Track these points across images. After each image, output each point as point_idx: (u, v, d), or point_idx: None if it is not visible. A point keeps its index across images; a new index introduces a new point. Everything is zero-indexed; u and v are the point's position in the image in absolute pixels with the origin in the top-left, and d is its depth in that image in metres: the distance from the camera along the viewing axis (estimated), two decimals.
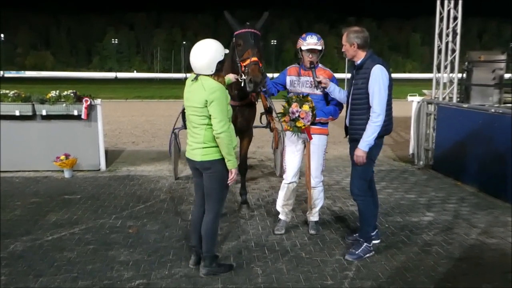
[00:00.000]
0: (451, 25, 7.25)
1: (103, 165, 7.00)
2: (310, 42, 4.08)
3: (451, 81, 7.52)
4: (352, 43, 3.68)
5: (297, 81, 4.26)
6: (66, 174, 6.55)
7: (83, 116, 6.61)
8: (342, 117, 4.25)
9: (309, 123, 4.03)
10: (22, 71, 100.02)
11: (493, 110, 5.93)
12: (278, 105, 4.64)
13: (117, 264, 3.73)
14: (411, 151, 7.95)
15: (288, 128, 4.13)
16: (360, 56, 3.71)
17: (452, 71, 7.46)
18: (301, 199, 5.30)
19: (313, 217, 4.47)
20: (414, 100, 7.79)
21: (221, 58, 3.32)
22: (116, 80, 76.36)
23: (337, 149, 8.82)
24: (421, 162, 7.53)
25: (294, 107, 4.00)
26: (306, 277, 3.52)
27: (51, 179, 6.46)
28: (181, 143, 6.47)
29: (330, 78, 4.12)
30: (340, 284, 3.43)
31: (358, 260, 3.81)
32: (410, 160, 7.84)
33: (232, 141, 3.33)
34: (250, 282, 3.45)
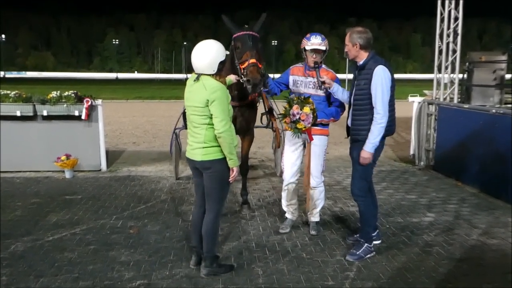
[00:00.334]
0: (452, 26, 7.25)
1: (104, 166, 7.00)
2: (315, 42, 4.09)
3: (452, 82, 7.52)
4: (354, 43, 3.68)
5: (301, 81, 4.26)
6: (67, 175, 6.55)
7: (83, 117, 6.62)
8: (343, 118, 4.26)
9: (309, 125, 4.04)
10: (23, 72, 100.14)
11: (494, 111, 5.92)
12: (280, 105, 4.65)
13: (118, 265, 3.73)
14: (411, 152, 7.95)
15: (289, 129, 4.14)
16: (363, 57, 3.71)
17: (453, 71, 7.45)
18: (302, 199, 5.29)
19: (314, 217, 4.48)
20: (415, 100, 7.79)
21: (223, 58, 3.35)
22: (117, 80, 76.42)
23: (338, 150, 8.82)
24: (422, 163, 7.53)
25: (295, 109, 4.00)
26: (307, 278, 3.52)
27: (51, 180, 6.47)
28: (182, 143, 6.47)
29: (334, 79, 4.12)
30: (341, 284, 3.43)
31: (359, 261, 3.81)
32: (411, 160, 7.84)
33: (233, 140, 3.34)
34: (251, 283, 3.45)
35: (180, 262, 3.78)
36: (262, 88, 4.23)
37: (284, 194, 4.52)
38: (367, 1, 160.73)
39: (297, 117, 3.99)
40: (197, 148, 3.39)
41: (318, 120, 4.12)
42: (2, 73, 79.81)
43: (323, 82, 4.04)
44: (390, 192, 5.95)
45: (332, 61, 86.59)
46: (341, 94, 4.07)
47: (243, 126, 4.89)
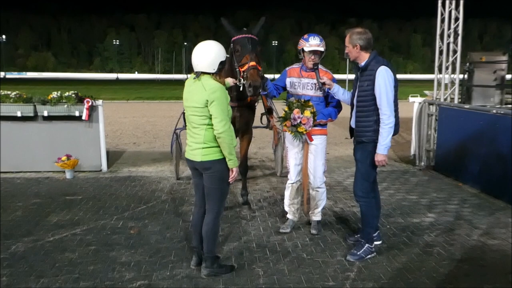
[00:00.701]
0: (452, 26, 7.25)
1: (104, 166, 7.00)
2: (313, 43, 4.09)
3: (452, 82, 7.52)
4: (355, 44, 3.67)
5: (298, 82, 4.26)
6: (68, 175, 6.55)
7: (84, 117, 6.62)
8: (345, 118, 4.26)
9: (310, 128, 4.07)
10: (24, 72, 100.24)
11: (494, 111, 5.92)
12: (279, 106, 4.66)
13: (119, 265, 3.73)
14: (412, 152, 7.94)
15: (290, 132, 4.16)
16: (364, 58, 3.70)
17: (453, 72, 7.45)
18: (302, 199, 5.29)
19: (316, 217, 4.49)
20: (416, 101, 7.79)
21: (223, 58, 3.36)
22: (117, 81, 76.45)
23: (338, 150, 8.82)
24: (423, 163, 7.52)
25: (296, 113, 4.02)
26: (308, 278, 3.52)
27: (52, 180, 6.47)
28: (182, 143, 6.48)
29: (331, 79, 4.13)
30: (341, 285, 3.43)
31: (360, 261, 3.81)
32: (411, 161, 7.83)
33: (233, 140, 3.34)
34: (251, 283, 3.44)
35: (181, 262, 3.78)
36: (260, 91, 4.24)
37: (287, 193, 4.53)
38: (367, 2, 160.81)
39: (298, 121, 4.01)
40: (197, 149, 3.39)
41: (317, 121, 4.14)
42: (3, 73, 79.87)
43: (324, 83, 4.05)
44: (390, 193, 5.95)
45: (332, 62, 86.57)
46: (341, 94, 4.07)
47: (242, 126, 4.93)
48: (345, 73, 39.74)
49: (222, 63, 3.36)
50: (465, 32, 7.46)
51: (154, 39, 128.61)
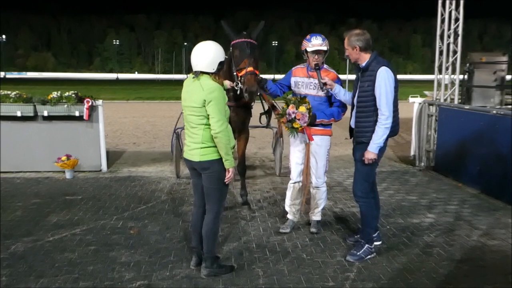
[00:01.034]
0: (452, 27, 7.25)
1: (104, 166, 7.00)
2: (315, 43, 4.11)
3: (452, 83, 7.52)
4: (354, 46, 3.67)
5: (302, 82, 4.29)
6: (67, 175, 6.55)
7: (85, 117, 6.61)
8: (345, 118, 4.26)
9: (305, 124, 4.07)
10: (24, 72, 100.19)
11: (494, 112, 5.92)
12: (280, 104, 4.68)
13: (118, 265, 3.72)
14: (412, 153, 7.95)
15: (286, 128, 4.19)
16: (364, 59, 3.70)
17: (453, 72, 7.45)
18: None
19: (316, 216, 4.50)
20: (416, 101, 7.80)
21: (222, 59, 3.38)
22: (117, 81, 76.46)
23: (338, 150, 8.82)
24: (423, 164, 7.52)
25: (291, 108, 4.06)
26: (307, 279, 3.52)
27: (52, 180, 6.47)
28: (183, 143, 6.47)
29: (334, 79, 4.13)
30: (341, 285, 3.43)
31: (359, 261, 3.81)
32: (411, 161, 7.84)
33: (230, 140, 3.35)
34: (251, 283, 3.44)
35: (181, 262, 3.78)
36: (258, 93, 4.29)
37: (288, 193, 4.54)
38: (367, 2, 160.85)
39: (293, 116, 4.04)
40: (195, 149, 3.40)
41: (318, 120, 4.15)
42: (3, 73, 79.83)
43: (325, 84, 4.05)
44: (390, 193, 5.95)
45: (333, 62, 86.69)
46: (342, 95, 4.07)
47: (239, 126, 4.98)
48: (345, 74, 39.81)
49: (221, 64, 3.38)
50: (465, 32, 7.46)
51: (154, 39, 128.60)
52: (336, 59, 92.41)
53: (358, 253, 3.85)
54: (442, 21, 7.36)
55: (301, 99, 4.10)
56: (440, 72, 7.55)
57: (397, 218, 4.97)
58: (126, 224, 4.71)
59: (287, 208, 4.60)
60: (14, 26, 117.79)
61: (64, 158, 6.50)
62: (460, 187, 6.23)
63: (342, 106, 4.25)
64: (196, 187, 3.62)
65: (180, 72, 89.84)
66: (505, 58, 9.69)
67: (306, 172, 4.37)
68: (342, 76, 4.44)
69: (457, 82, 7.49)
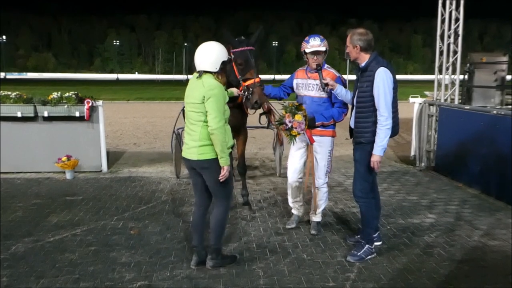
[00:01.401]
0: (452, 27, 7.24)
1: (104, 167, 7.00)
2: (314, 44, 4.13)
3: (452, 83, 7.51)
4: (355, 45, 3.68)
5: (302, 84, 4.33)
6: (68, 176, 6.55)
7: (86, 117, 6.61)
8: (346, 119, 4.26)
9: (303, 131, 4.12)
10: (24, 73, 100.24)
11: (495, 112, 5.92)
12: (278, 106, 4.69)
13: (119, 266, 3.73)
14: (412, 153, 7.94)
15: (285, 135, 4.26)
16: (364, 59, 3.70)
17: (453, 72, 7.45)
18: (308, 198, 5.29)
19: (316, 217, 4.51)
20: (416, 101, 7.79)
21: (225, 58, 3.46)
22: (118, 81, 76.50)
23: (338, 151, 8.80)
24: (423, 164, 7.52)
25: (287, 117, 4.11)
26: (308, 279, 3.52)
27: (52, 181, 6.47)
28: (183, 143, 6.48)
29: (334, 79, 4.14)
30: (341, 285, 3.43)
31: (360, 262, 3.80)
32: (411, 161, 7.83)
33: (226, 138, 3.39)
34: (251, 284, 3.44)
35: (181, 263, 3.78)
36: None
37: (289, 192, 4.63)
38: (367, 2, 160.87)
39: (290, 125, 4.10)
40: (193, 147, 3.44)
41: (318, 123, 4.18)
42: (3, 74, 79.85)
43: (326, 84, 4.06)
44: (391, 193, 5.95)
45: (333, 62, 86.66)
46: (344, 95, 4.07)
47: (235, 126, 4.98)
48: (346, 74, 39.85)
49: (223, 63, 3.45)
50: (465, 32, 7.45)
51: (155, 39, 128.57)
52: (336, 59, 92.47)
53: (359, 254, 3.85)
54: (443, 21, 7.36)
55: (297, 107, 4.15)
56: (440, 72, 7.55)
57: (397, 218, 4.97)
58: (126, 224, 4.71)
59: (290, 205, 4.68)
60: (15, 27, 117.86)
61: (64, 158, 6.50)
62: (461, 187, 6.23)
63: (343, 107, 4.25)
64: (196, 187, 3.66)
65: (180, 73, 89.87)
66: (505, 58, 9.68)
67: (307, 172, 4.39)
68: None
69: (457, 82, 7.49)
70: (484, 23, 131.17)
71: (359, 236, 4.13)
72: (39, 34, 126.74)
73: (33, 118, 6.66)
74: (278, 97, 4.53)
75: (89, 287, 3.39)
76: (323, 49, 4.15)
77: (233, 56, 4.31)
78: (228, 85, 4.38)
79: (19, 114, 6.53)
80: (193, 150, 3.44)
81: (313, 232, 4.45)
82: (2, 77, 75.67)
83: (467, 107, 6.93)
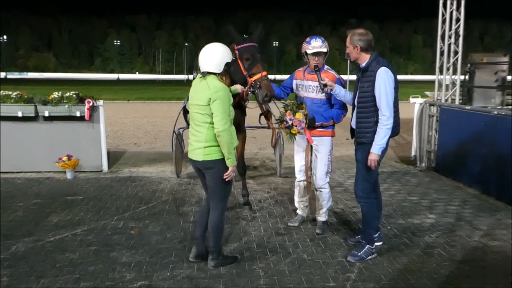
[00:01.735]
0: (453, 27, 7.24)
1: (105, 166, 7.01)
2: (315, 45, 4.13)
3: (453, 83, 7.51)
4: (355, 45, 3.68)
5: (302, 85, 4.35)
6: (68, 175, 6.56)
7: (86, 117, 6.61)
8: (346, 119, 4.27)
9: (302, 130, 4.14)
10: (25, 73, 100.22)
11: (495, 112, 5.92)
12: (277, 106, 4.70)
13: (119, 266, 3.73)
14: (413, 153, 7.94)
15: (285, 133, 4.28)
16: (364, 59, 3.70)
17: (454, 73, 7.45)
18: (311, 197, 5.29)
19: (321, 217, 4.52)
20: (417, 101, 7.79)
21: (229, 60, 3.48)
22: (118, 81, 76.50)
23: (339, 151, 8.81)
24: (423, 164, 7.52)
25: (288, 115, 4.14)
26: (308, 279, 3.52)
27: (53, 180, 6.47)
28: (185, 144, 6.48)
29: (334, 80, 4.14)
30: (342, 286, 3.43)
31: (360, 262, 3.80)
32: (412, 162, 7.83)
33: (232, 140, 3.42)
34: (252, 284, 3.44)
35: (182, 263, 3.78)
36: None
37: (296, 191, 4.68)
38: (368, 2, 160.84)
39: (290, 123, 4.12)
40: (198, 148, 3.47)
41: (317, 123, 4.20)
42: (4, 74, 79.84)
43: (325, 85, 4.06)
44: (391, 193, 5.94)
45: (333, 62, 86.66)
46: (343, 96, 4.07)
47: (235, 125, 4.96)
48: (346, 74, 39.82)
49: (227, 64, 3.48)
50: (466, 33, 7.45)
51: (155, 39, 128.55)
52: (337, 59, 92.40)
53: (359, 254, 3.85)
54: (443, 21, 7.35)
55: (298, 105, 4.17)
56: (441, 72, 7.55)
57: (398, 218, 4.97)
58: (127, 224, 4.71)
59: (296, 204, 4.73)
60: (15, 27, 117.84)
61: (65, 158, 6.50)
62: (461, 187, 6.23)
63: (343, 108, 4.26)
64: (204, 185, 3.76)
65: (181, 73, 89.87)
66: (506, 59, 9.68)
67: (306, 171, 4.44)
68: (342, 77, 4.44)
69: (458, 83, 7.49)
70: (484, 23, 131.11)
71: (359, 236, 4.13)
72: (40, 34, 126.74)
73: (34, 118, 6.66)
74: (279, 97, 4.55)
75: (89, 287, 3.39)
76: (324, 50, 4.15)
77: (238, 53, 4.31)
78: (232, 82, 4.39)
79: (19, 114, 6.54)
80: (198, 151, 3.48)
81: (318, 231, 4.46)
82: (2, 77, 75.69)
83: (467, 107, 6.93)
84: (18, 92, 6.81)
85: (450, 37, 7.30)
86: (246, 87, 4.34)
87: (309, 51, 4.14)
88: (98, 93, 19.07)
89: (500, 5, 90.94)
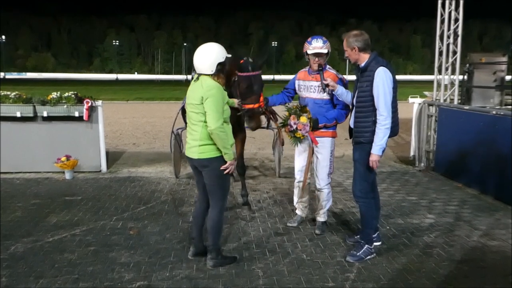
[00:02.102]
0: (452, 27, 7.25)
1: (104, 167, 7.00)
2: (316, 45, 4.13)
3: (452, 83, 7.52)
4: (352, 47, 3.68)
5: (304, 86, 4.33)
6: (67, 176, 6.55)
7: (85, 117, 6.61)
8: (346, 119, 4.27)
9: (307, 134, 4.14)
10: (23, 73, 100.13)
11: (494, 112, 5.92)
12: (280, 108, 4.70)
13: (118, 266, 3.72)
14: (412, 153, 7.94)
15: (289, 137, 4.27)
16: (364, 59, 3.71)
17: (453, 73, 7.45)
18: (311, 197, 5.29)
19: (320, 217, 4.52)
20: (415, 101, 7.80)
21: (222, 60, 3.51)
22: (117, 81, 76.46)
23: (338, 151, 8.78)
24: (422, 164, 7.52)
25: (292, 119, 4.13)
26: (307, 279, 3.52)
27: (52, 181, 6.46)
28: (184, 144, 6.48)
29: (336, 80, 4.14)
30: (341, 286, 3.42)
31: (359, 262, 3.80)
32: (411, 162, 7.83)
33: (226, 136, 3.46)
34: (251, 284, 3.44)
35: (181, 263, 3.78)
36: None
37: (295, 191, 4.67)
38: (367, 3, 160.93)
39: (294, 127, 4.12)
40: (194, 146, 3.54)
41: (321, 125, 4.19)
42: (2, 74, 79.84)
43: (327, 85, 4.06)
44: (390, 193, 5.95)
45: (333, 63, 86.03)
46: (345, 96, 4.08)
47: (234, 127, 4.97)
48: (345, 74, 39.88)
49: (220, 64, 3.50)
50: (465, 33, 7.45)
51: (154, 39, 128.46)
52: (336, 59, 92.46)
53: (358, 254, 3.85)
54: (442, 21, 7.36)
55: (302, 108, 4.17)
56: (440, 72, 7.55)
57: (397, 218, 4.97)
58: (126, 224, 4.71)
59: (295, 204, 4.72)
60: (14, 27, 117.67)
61: (63, 158, 6.50)
62: (460, 187, 6.23)
63: (345, 108, 4.25)
64: (198, 184, 3.79)
65: (179, 73, 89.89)
66: (504, 59, 9.72)
67: (306, 171, 4.42)
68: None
69: (456, 83, 7.50)
70: (483, 23, 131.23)
71: (358, 236, 4.13)
72: (39, 34, 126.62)
73: (33, 118, 6.65)
74: (284, 103, 4.53)
75: (88, 287, 3.39)
76: (325, 51, 4.15)
77: (237, 78, 4.30)
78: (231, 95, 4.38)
79: (18, 114, 6.53)
80: (194, 149, 3.54)
81: (317, 232, 4.46)
82: (1, 77, 75.65)
83: (466, 107, 6.94)
84: (16, 92, 6.81)
85: (449, 37, 7.30)
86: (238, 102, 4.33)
87: (309, 51, 4.14)
88: (97, 93, 19.01)
89: (499, 5, 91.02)
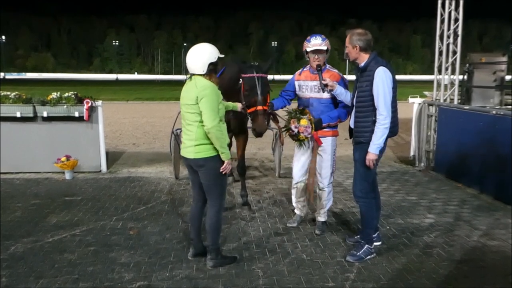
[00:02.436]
0: (452, 27, 7.25)
1: (103, 167, 7.00)
2: (315, 43, 4.13)
3: (452, 83, 7.52)
4: (354, 45, 3.69)
5: (306, 85, 4.30)
6: (67, 176, 6.55)
7: (85, 117, 6.61)
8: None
9: (310, 135, 4.13)
10: (23, 73, 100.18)
11: (494, 112, 5.92)
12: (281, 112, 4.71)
13: (118, 266, 3.72)
14: (412, 153, 7.94)
15: (293, 141, 4.27)
16: (363, 59, 3.71)
17: (453, 73, 7.45)
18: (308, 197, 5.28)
19: (321, 217, 4.52)
20: (415, 101, 7.81)
21: (214, 60, 3.53)
22: (117, 81, 76.47)
23: (338, 151, 8.79)
24: (422, 164, 7.52)
25: (292, 123, 4.12)
26: (307, 279, 3.52)
27: (52, 181, 6.46)
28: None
29: (338, 80, 4.14)
30: (341, 285, 3.42)
31: (359, 262, 3.80)
32: (411, 161, 7.83)
33: (223, 135, 3.47)
34: (251, 284, 3.44)
35: (180, 263, 3.78)
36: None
37: (293, 192, 4.64)
38: (367, 3, 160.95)
39: (296, 131, 4.11)
40: (190, 146, 3.55)
41: (325, 124, 4.19)
42: (2, 74, 79.82)
43: (326, 85, 4.06)
44: (390, 193, 5.95)
45: (332, 62, 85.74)
46: (344, 96, 4.08)
47: (236, 127, 5.03)
48: (345, 74, 39.89)
49: (211, 64, 3.52)
50: (464, 33, 7.45)
51: (154, 40, 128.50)
52: (336, 59, 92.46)
53: (358, 254, 3.85)
54: (442, 21, 7.36)
55: (301, 111, 4.15)
56: (439, 72, 7.55)
57: (397, 218, 4.97)
58: (125, 224, 4.70)
59: (293, 204, 4.71)
60: (14, 27, 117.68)
61: (63, 158, 6.50)
62: (460, 187, 6.23)
63: (348, 107, 4.23)
64: (193, 183, 3.79)
65: (179, 73, 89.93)
66: (504, 59, 9.71)
67: (312, 171, 4.38)
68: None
69: (456, 83, 7.50)
70: (483, 23, 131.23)
71: (358, 236, 4.13)
72: (39, 34, 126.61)
73: (32, 118, 6.65)
74: (284, 107, 4.52)
75: (88, 287, 3.39)
76: (324, 48, 4.14)
77: (241, 80, 4.29)
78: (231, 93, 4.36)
79: (18, 114, 6.53)
80: (190, 149, 3.55)
81: (317, 232, 4.45)
82: (1, 77, 75.63)
83: (466, 107, 6.94)
84: (16, 92, 6.81)
85: (448, 37, 7.30)
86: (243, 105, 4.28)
87: (308, 49, 4.13)
88: (97, 94, 19.00)
89: (499, 5, 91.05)
